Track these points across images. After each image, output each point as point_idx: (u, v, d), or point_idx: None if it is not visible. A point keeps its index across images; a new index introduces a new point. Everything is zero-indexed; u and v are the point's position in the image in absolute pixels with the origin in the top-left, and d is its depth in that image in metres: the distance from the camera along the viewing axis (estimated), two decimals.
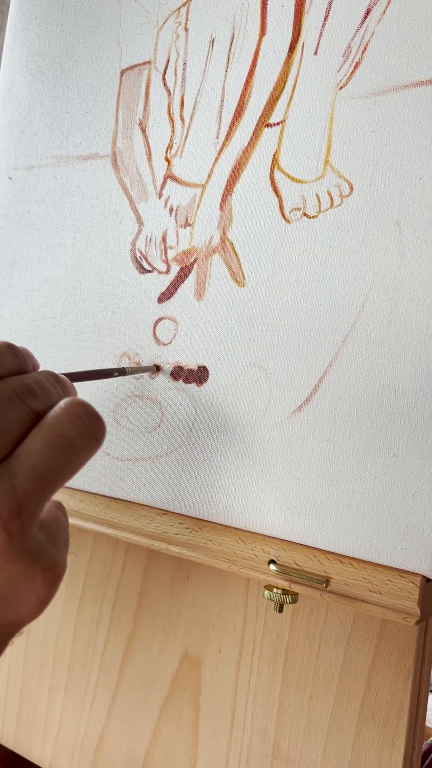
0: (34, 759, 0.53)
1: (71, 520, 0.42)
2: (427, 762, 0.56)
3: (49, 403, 0.26)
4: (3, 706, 0.55)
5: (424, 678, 0.38)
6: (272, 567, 0.35)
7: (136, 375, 0.42)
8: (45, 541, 0.24)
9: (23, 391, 0.25)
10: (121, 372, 0.39)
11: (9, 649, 0.53)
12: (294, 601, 0.36)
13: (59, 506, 0.29)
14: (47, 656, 0.52)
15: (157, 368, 0.41)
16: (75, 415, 0.25)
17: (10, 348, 0.28)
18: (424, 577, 0.32)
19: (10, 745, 0.54)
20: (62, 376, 0.29)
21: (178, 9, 0.43)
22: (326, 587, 0.34)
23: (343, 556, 0.34)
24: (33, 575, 0.23)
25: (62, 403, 0.26)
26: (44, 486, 0.24)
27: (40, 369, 0.30)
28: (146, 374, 0.42)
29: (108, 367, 0.41)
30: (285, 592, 0.36)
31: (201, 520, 0.39)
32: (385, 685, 0.38)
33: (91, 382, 0.43)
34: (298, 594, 0.36)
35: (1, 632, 0.25)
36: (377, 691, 0.38)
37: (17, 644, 0.54)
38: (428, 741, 0.58)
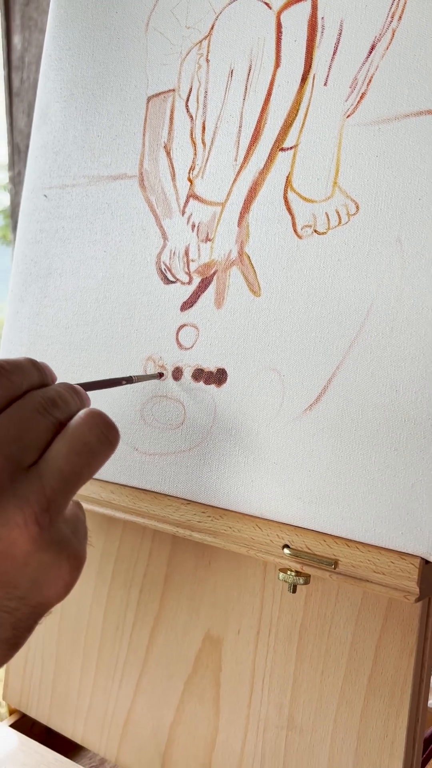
0: (66, 733, 0.57)
1: (104, 510, 0.46)
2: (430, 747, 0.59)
3: (70, 413, 0.30)
4: (38, 684, 0.59)
5: (426, 654, 0.41)
6: (286, 551, 0.39)
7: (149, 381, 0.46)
8: (69, 534, 0.28)
9: (48, 403, 0.29)
10: (129, 380, 0.43)
11: (43, 631, 0.57)
12: (306, 582, 0.40)
13: (78, 505, 0.33)
14: (79, 638, 0.56)
15: (161, 375, 0.45)
16: (94, 425, 0.29)
17: (33, 363, 0.32)
18: (422, 558, 0.35)
19: (44, 720, 0.58)
20: (78, 386, 0.33)
21: (200, 41, 0.47)
22: (335, 569, 0.37)
23: (350, 540, 0.37)
24: (60, 562, 0.27)
25: (82, 413, 0.30)
26: (69, 486, 0.28)
27: (60, 380, 0.34)
28: (170, 377, 0.46)
29: (119, 376, 0.45)
30: (298, 574, 0.39)
31: (221, 509, 0.42)
32: (391, 662, 0.41)
33: (119, 387, 0.48)
34: (310, 576, 0.40)
35: (31, 612, 0.29)
36: (383, 667, 0.41)
37: (51, 627, 0.58)
38: None
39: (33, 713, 0.59)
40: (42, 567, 0.27)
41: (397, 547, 0.36)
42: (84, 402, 0.32)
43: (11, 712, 0.62)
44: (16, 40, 1.50)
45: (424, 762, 0.57)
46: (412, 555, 0.35)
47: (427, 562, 0.35)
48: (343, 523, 0.38)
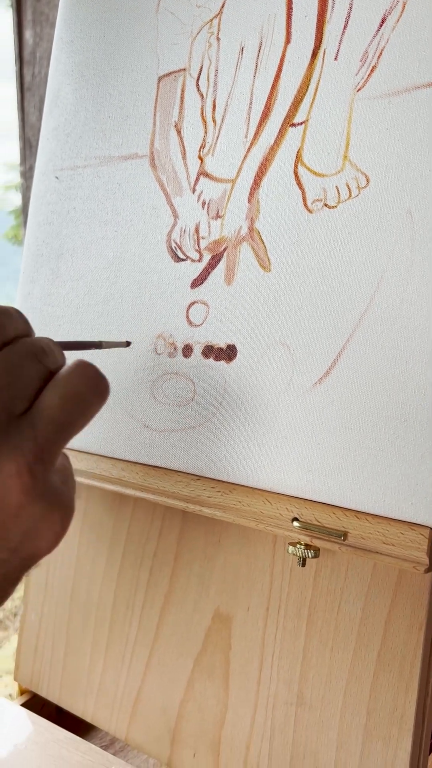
0: (77, 712, 0.57)
1: (114, 487, 0.47)
2: None
3: (58, 364, 0.30)
4: (49, 664, 0.60)
5: None
6: (295, 524, 0.39)
7: (160, 352, 0.46)
8: (60, 484, 0.28)
9: (38, 351, 0.29)
10: (98, 346, 0.42)
11: (54, 612, 0.58)
12: (316, 555, 0.40)
13: (65, 456, 0.32)
14: (89, 617, 0.57)
15: (128, 343, 0.45)
16: (85, 375, 0.29)
17: (19, 313, 0.31)
18: (431, 529, 0.35)
19: (55, 699, 0.59)
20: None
21: (211, 20, 0.47)
22: (344, 541, 0.37)
23: (359, 512, 0.37)
24: (52, 514, 0.27)
25: (72, 363, 0.30)
26: (62, 435, 0.27)
27: (71, 360, 0.33)
28: (180, 354, 0.46)
29: (91, 340, 0.44)
30: (307, 547, 0.40)
31: (231, 483, 0.43)
32: (400, 636, 0.41)
33: (128, 363, 0.48)
34: (319, 549, 0.40)
35: (21, 564, 0.28)
36: (392, 641, 0.41)
37: (62, 606, 0.58)
38: None
39: (44, 693, 0.60)
40: (34, 518, 0.27)
41: (407, 518, 0.36)
42: (64, 358, 0.32)
43: (22, 691, 0.62)
44: (28, 35, 1.51)
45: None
46: (422, 525, 0.35)
47: None
48: (352, 495, 0.38)
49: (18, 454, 0.26)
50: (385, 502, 0.36)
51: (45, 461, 0.26)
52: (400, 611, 0.41)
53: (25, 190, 1.50)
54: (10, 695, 0.64)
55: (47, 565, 0.60)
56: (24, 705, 0.60)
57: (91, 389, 0.29)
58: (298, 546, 0.40)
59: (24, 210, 1.50)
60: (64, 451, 0.32)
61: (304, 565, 0.40)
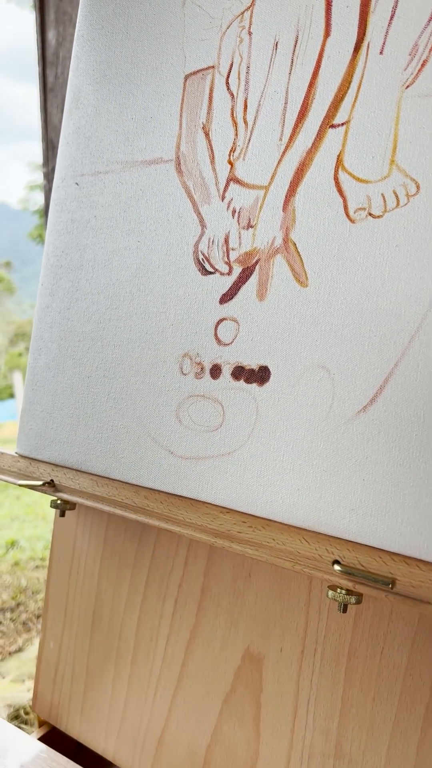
0: (97, 749, 0.54)
1: (137, 517, 0.43)
2: None
3: None
4: (68, 697, 0.57)
5: None
6: (336, 567, 0.35)
7: (186, 373, 0.42)
8: None
9: None
10: None
11: (74, 642, 0.55)
12: (358, 601, 0.36)
13: None
14: (111, 650, 0.54)
15: None
16: None
17: None
18: None
19: (74, 735, 0.56)
20: None
21: (242, 13, 0.44)
22: (392, 588, 0.34)
23: (410, 557, 0.33)
24: None
25: None
26: None
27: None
28: (208, 375, 0.43)
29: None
30: (349, 592, 0.36)
31: (264, 519, 0.39)
32: None
33: (152, 383, 0.44)
34: (362, 595, 0.36)
35: None
36: None
37: (83, 637, 0.55)
38: None
39: (63, 727, 0.57)
40: None
41: None
42: None
43: (41, 723, 0.60)
44: (51, 35, 1.49)
45: None
46: None
47: None
48: (401, 538, 0.34)
49: None
50: None
51: None
52: None
53: (48, 191, 1.48)
54: (30, 707, 0.61)
55: (67, 590, 0.57)
56: (42, 738, 0.57)
57: None
58: (339, 591, 0.36)
59: (46, 211, 1.48)
60: None
61: (345, 611, 0.37)
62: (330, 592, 0.37)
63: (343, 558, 0.35)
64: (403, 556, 0.34)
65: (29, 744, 0.56)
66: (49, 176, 1.49)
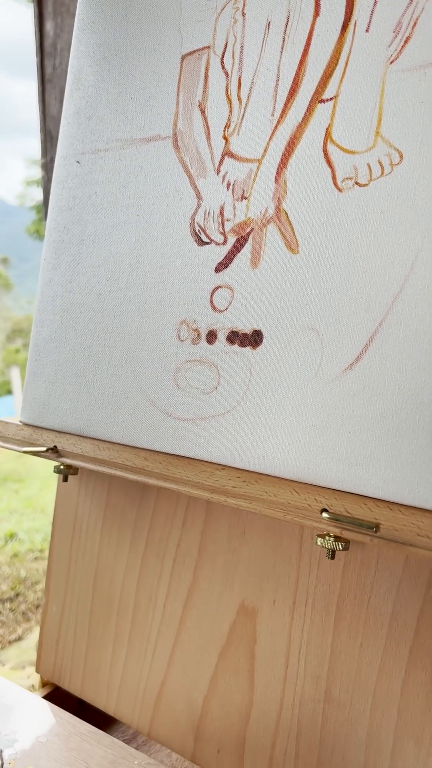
0: (99, 705, 0.56)
1: (137, 477, 0.46)
2: None
3: None
4: (71, 657, 0.59)
5: None
6: (324, 515, 0.38)
7: (184, 339, 0.45)
8: None
9: None
10: None
11: (76, 603, 0.57)
12: (345, 548, 0.38)
13: None
14: (111, 610, 0.56)
15: None
16: None
17: None
18: None
19: (77, 692, 0.58)
20: None
21: None
22: (376, 533, 0.36)
23: (392, 503, 0.36)
24: None
25: None
26: None
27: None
28: (204, 341, 0.45)
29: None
30: (337, 539, 0.38)
31: (257, 473, 0.41)
32: None
33: (150, 349, 0.47)
34: (349, 541, 0.38)
35: None
36: (426, 637, 0.40)
37: (84, 598, 0.58)
38: None
39: (66, 685, 0.59)
40: None
41: None
42: None
43: (44, 684, 0.62)
44: (49, 26, 1.51)
45: None
46: None
47: None
48: (384, 485, 0.36)
49: None
50: (420, 493, 0.35)
51: None
52: None
53: (47, 182, 1.50)
54: (33, 686, 0.63)
55: (69, 555, 0.59)
56: (46, 697, 0.60)
57: None
58: (327, 538, 0.38)
59: (45, 203, 1.50)
60: None
61: (333, 557, 0.39)
62: (319, 540, 0.39)
63: (331, 506, 0.38)
64: (386, 502, 0.36)
65: (34, 701, 0.58)
66: (47, 167, 1.51)
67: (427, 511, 0.35)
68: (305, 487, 0.39)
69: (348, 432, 0.37)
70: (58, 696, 0.60)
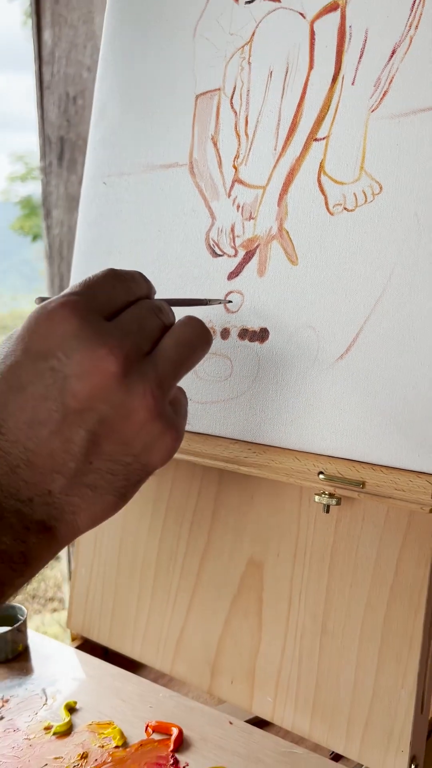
0: (125, 652, 0.65)
1: None
2: None
3: (171, 320, 0.39)
4: (99, 612, 0.68)
5: None
6: (321, 476, 0.47)
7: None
8: (173, 412, 0.36)
9: (157, 309, 0.38)
10: (205, 303, 0.49)
11: (104, 564, 0.66)
12: (338, 503, 0.47)
13: (181, 391, 0.41)
14: (136, 568, 0.65)
15: (230, 301, 0.52)
16: (195, 326, 0.39)
17: (143, 277, 0.40)
18: None
19: (105, 642, 0.67)
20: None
21: (243, 47, 0.54)
22: (363, 489, 0.45)
23: (375, 464, 0.45)
24: (165, 434, 0.35)
25: (185, 318, 0.39)
26: (176, 372, 0.36)
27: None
28: (219, 336, 0.54)
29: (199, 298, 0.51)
30: (331, 495, 0.47)
31: (264, 445, 0.50)
32: (410, 571, 0.49)
33: None
34: (341, 498, 0.48)
35: (141, 469, 0.36)
36: (403, 577, 0.49)
37: (111, 559, 0.66)
38: None
39: (95, 637, 0.68)
40: (153, 434, 0.35)
41: (415, 468, 0.43)
42: (174, 316, 0.40)
43: (74, 638, 0.71)
44: (47, 35, 1.58)
45: None
46: (428, 473, 0.43)
47: None
48: (369, 451, 0.45)
49: (145, 379, 0.34)
50: (397, 456, 0.44)
51: (164, 389, 0.35)
52: (409, 550, 0.49)
53: (45, 185, 1.58)
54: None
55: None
56: (77, 648, 0.69)
57: (199, 337, 0.38)
58: (323, 495, 0.47)
59: (44, 204, 1.57)
60: (181, 387, 0.40)
61: (328, 511, 0.48)
62: (316, 497, 0.48)
63: (326, 469, 0.47)
64: (370, 464, 0.45)
65: (67, 651, 0.67)
66: (46, 170, 1.58)
67: (403, 470, 0.44)
68: (305, 455, 0.48)
69: (339, 409, 0.47)
70: (87, 648, 0.69)
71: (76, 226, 1.50)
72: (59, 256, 1.55)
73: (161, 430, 0.35)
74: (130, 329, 0.34)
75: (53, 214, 1.57)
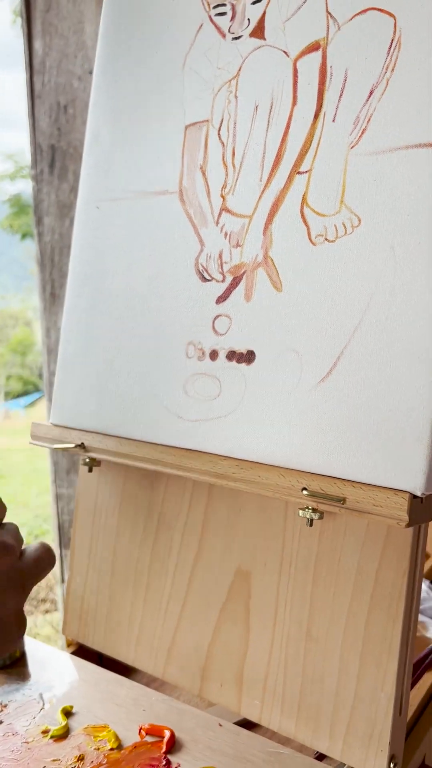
0: (120, 658, 0.68)
1: (155, 467, 0.57)
2: (429, 659, 0.70)
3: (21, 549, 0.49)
4: (93, 620, 0.70)
5: (416, 574, 0.51)
6: (304, 492, 0.50)
7: (191, 356, 0.56)
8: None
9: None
10: None
11: (98, 574, 0.68)
12: (321, 517, 0.50)
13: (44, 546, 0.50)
14: (129, 578, 0.67)
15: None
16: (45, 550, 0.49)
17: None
18: (410, 493, 0.45)
19: (99, 648, 0.70)
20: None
21: (230, 81, 0.57)
22: (343, 504, 0.48)
23: (355, 482, 0.48)
24: None
25: (40, 544, 0.49)
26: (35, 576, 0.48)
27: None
28: (208, 358, 0.56)
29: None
30: (314, 510, 0.50)
31: (252, 462, 0.53)
32: (388, 581, 0.52)
33: (164, 366, 0.58)
34: (323, 513, 0.50)
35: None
36: (382, 586, 0.52)
37: (105, 569, 0.69)
38: (430, 646, 0.72)
39: (89, 643, 0.71)
40: None
41: (392, 486, 0.46)
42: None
43: (69, 644, 0.73)
44: (37, 45, 1.60)
45: (414, 682, 0.68)
46: (403, 491, 0.46)
47: (414, 496, 0.46)
48: (349, 468, 0.48)
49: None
50: (376, 474, 0.47)
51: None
52: (388, 561, 0.52)
53: (37, 192, 1.60)
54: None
55: (90, 534, 0.71)
56: (72, 654, 0.71)
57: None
58: (306, 509, 0.50)
59: (36, 212, 1.59)
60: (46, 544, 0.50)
61: (311, 525, 0.51)
62: (300, 512, 0.51)
63: (309, 486, 0.50)
64: (351, 481, 0.48)
65: (63, 657, 0.70)
66: (37, 178, 1.60)
67: (381, 487, 0.47)
68: (289, 472, 0.51)
69: (321, 429, 0.49)
70: (82, 653, 0.71)
71: (67, 233, 1.53)
72: (51, 263, 1.57)
73: None
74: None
75: (45, 221, 1.59)
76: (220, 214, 0.57)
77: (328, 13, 0.51)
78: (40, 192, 1.61)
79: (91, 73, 1.47)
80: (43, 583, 2.67)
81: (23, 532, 0.51)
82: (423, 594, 0.86)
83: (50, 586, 2.70)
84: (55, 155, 1.62)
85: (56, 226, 1.58)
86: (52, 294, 1.58)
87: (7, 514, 0.49)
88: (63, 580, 1.62)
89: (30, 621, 2.40)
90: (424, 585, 0.88)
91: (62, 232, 1.55)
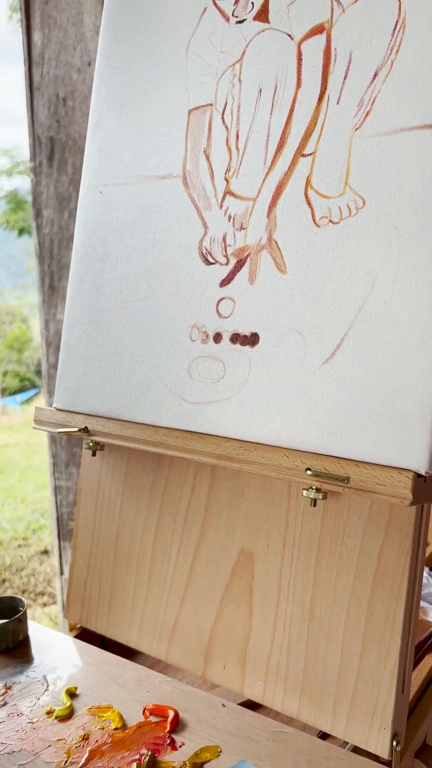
0: (123, 641, 0.68)
1: (158, 450, 0.57)
2: (429, 642, 0.70)
3: None
4: (96, 603, 0.71)
5: (419, 554, 0.52)
6: (308, 472, 0.50)
7: (195, 339, 0.56)
8: None
9: None
10: None
11: (101, 558, 0.68)
12: (324, 497, 0.51)
13: None
14: (131, 562, 0.68)
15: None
16: None
17: None
18: (414, 472, 0.46)
19: (102, 631, 0.70)
20: None
21: (233, 64, 0.57)
22: (347, 483, 0.48)
23: (359, 461, 0.48)
24: None
25: None
26: None
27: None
28: (211, 340, 0.57)
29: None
30: (318, 490, 0.50)
31: (255, 443, 0.53)
32: (391, 561, 0.52)
33: (168, 348, 0.58)
34: (327, 493, 0.51)
35: None
36: (385, 566, 0.52)
37: (107, 553, 0.69)
38: (431, 630, 0.73)
39: (92, 626, 0.71)
40: None
41: (395, 464, 0.47)
42: None
43: (72, 628, 0.74)
44: (36, 37, 1.60)
45: (416, 663, 0.69)
46: (407, 470, 0.46)
47: (418, 475, 0.46)
48: (353, 448, 0.48)
49: None
50: (379, 453, 0.47)
51: None
52: (391, 541, 0.52)
53: (35, 185, 1.60)
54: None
55: (93, 518, 0.71)
56: (75, 638, 0.71)
57: None
58: (310, 490, 0.51)
59: (34, 204, 1.59)
60: None
61: (315, 505, 0.51)
62: (304, 492, 0.51)
63: (313, 466, 0.50)
64: (354, 461, 0.48)
65: (66, 640, 0.70)
66: (36, 170, 1.60)
67: (385, 466, 0.47)
68: (293, 452, 0.51)
69: (325, 410, 0.50)
70: (85, 637, 0.72)
71: (66, 226, 1.52)
72: (50, 255, 1.57)
73: None
74: None
75: (43, 213, 1.59)
76: (224, 198, 0.57)
77: None
78: (39, 184, 1.61)
79: (90, 64, 1.47)
80: (41, 576, 2.67)
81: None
82: (423, 580, 0.87)
83: (48, 579, 2.70)
84: (54, 147, 1.62)
85: (55, 218, 1.58)
86: (51, 286, 1.58)
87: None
88: (62, 573, 1.63)
89: (28, 614, 2.41)
90: (425, 572, 0.89)
91: (61, 224, 1.54)
